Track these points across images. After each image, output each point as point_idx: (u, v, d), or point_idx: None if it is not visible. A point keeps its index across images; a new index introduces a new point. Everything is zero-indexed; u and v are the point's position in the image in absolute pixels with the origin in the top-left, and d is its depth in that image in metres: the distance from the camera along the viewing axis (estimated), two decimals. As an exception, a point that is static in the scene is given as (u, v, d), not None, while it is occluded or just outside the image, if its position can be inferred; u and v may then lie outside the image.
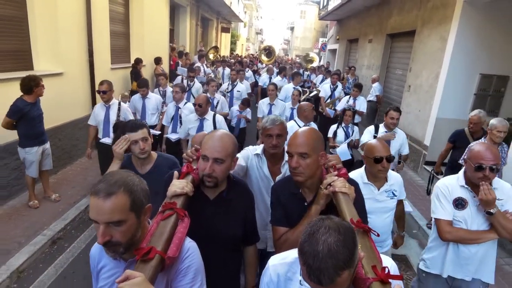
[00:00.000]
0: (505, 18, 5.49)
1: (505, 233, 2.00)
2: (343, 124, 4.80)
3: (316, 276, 0.94)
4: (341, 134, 4.79)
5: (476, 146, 2.06)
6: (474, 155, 2.00)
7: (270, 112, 5.52)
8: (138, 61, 7.82)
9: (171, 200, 1.36)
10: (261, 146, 2.36)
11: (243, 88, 7.12)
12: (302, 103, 4.44)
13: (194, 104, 4.13)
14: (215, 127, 4.03)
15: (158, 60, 8.94)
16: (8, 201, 4.33)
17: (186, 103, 4.81)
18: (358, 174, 2.41)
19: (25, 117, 3.71)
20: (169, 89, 6.27)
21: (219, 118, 4.24)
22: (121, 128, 3.31)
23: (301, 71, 10.57)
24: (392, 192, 2.42)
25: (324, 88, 7.60)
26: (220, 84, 7.86)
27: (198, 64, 9.80)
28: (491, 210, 1.97)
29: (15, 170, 4.42)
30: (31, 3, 4.78)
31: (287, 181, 1.79)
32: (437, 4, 6.41)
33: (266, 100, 5.73)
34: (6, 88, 4.18)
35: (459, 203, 2.11)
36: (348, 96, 6.65)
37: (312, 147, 1.57)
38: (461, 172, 2.18)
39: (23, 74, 4.45)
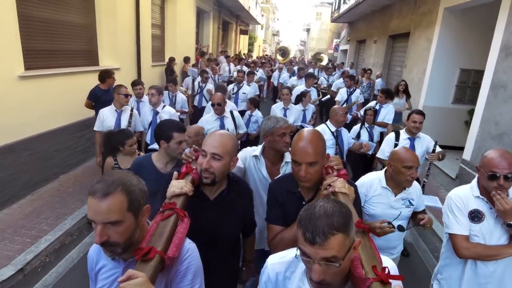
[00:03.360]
0: (478, 22, 6.55)
1: None
2: (366, 125, 4.61)
3: (311, 233, 0.97)
4: (364, 134, 4.57)
5: (490, 152, 1.88)
6: (487, 162, 1.84)
7: (284, 116, 5.23)
8: (172, 60, 9.25)
9: (171, 201, 1.37)
10: (260, 147, 2.33)
11: (248, 90, 6.87)
12: (335, 106, 4.24)
13: (213, 104, 4.04)
14: (235, 124, 4.15)
15: (186, 59, 10.34)
16: (84, 163, 5.79)
17: (164, 106, 4.46)
18: (375, 177, 2.31)
19: (99, 100, 4.95)
20: (179, 95, 5.97)
21: (237, 114, 4.27)
22: (110, 137, 3.15)
23: (311, 69, 11.58)
24: (409, 201, 2.29)
25: (340, 92, 7.15)
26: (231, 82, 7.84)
27: (225, 63, 11.05)
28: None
29: (88, 140, 5.87)
30: (99, 13, 6.22)
31: (285, 179, 1.78)
32: (425, 10, 7.55)
33: (280, 105, 5.38)
34: (79, 78, 5.55)
35: (475, 216, 1.92)
36: (374, 102, 5.75)
37: (320, 154, 1.54)
38: (474, 181, 1.99)
39: (92, 68, 5.95)
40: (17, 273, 3.23)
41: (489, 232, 1.89)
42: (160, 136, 2.30)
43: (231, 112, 4.18)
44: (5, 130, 4.14)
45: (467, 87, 7.06)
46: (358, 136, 4.56)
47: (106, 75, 5.13)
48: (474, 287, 1.97)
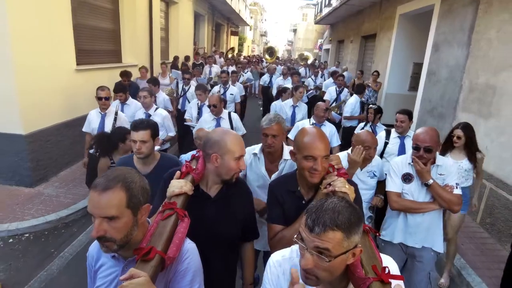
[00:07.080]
0: (425, 25, 8.10)
1: (442, 201, 2.20)
2: (369, 123, 4.61)
3: (312, 221, 0.99)
4: None
5: (419, 129, 2.28)
6: (414, 137, 2.28)
7: (293, 114, 5.44)
8: (176, 58, 10.73)
9: (171, 200, 1.38)
10: (259, 145, 2.35)
11: (236, 91, 6.76)
12: (319, 102, 4.51)
13: (209, 106, 4.18)
14: (231, 125, 4.22)
15: (187, 58, 11.82)
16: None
17: (156, 109, 4.36)
18: (343, 156, 2.52)
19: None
20: (161, 95, 5.81)
21: (234, 116, 4.34)
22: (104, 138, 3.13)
23: (303, 69, 12.14)
24: (373, 173, 2.72)
25: (330, 91, 7.14)
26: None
27: (206, 66, 10.98)
28: (427, 182, 2.20)
29: (117, 122, 7.30)
30: (123, 20, 7.67)
31: (284, 178, 1.80)
32: (387, 16, 9.24)
33: (289, 102, 5.54)
34: (108, 73, 6.91)
35: (407, 178, 2.34)
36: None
37: (329, 148, 1.61)
38: (410, 151, 2.38)
39: (117, 65, 7.37)
40: (91, 204, 4.69)
41: (417, 191, 2.32)
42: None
43: (229, 114, 4.30)
44: (69, 108, 5.61)
45: (419, 77, 8.73)
46: None
47: (127, 73, 6.40)
48: (406, 235, 2.39)
